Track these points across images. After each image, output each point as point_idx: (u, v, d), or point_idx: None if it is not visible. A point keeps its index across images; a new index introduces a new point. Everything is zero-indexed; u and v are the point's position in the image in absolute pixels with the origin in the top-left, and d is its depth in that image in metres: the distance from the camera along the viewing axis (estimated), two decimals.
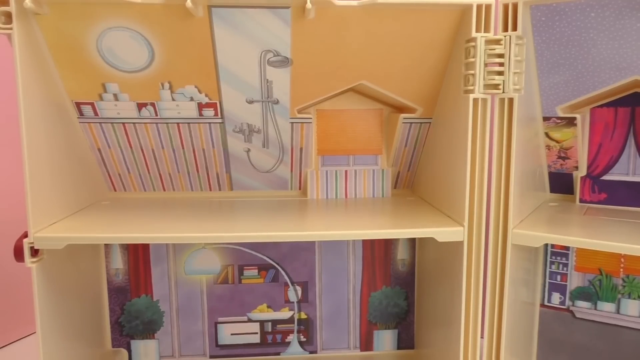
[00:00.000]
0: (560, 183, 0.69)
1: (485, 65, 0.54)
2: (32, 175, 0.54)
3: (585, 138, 0.66)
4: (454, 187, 0.60)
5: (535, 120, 0.63)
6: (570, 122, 0.64)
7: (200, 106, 0.63)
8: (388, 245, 0.78)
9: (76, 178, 0.64)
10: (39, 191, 0.55)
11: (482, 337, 0.60)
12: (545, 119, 0.64)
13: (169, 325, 0.77)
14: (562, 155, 0.67)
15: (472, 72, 0.55)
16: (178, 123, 0.65)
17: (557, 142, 0.66)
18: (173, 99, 0.62)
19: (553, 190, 0.71)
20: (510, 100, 0.55)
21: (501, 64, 0.54)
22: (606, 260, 0.69)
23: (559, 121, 0.64)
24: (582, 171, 0.67)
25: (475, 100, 0.55)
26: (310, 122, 0.68)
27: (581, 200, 0.68)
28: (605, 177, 0.67)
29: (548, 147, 0.67)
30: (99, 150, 0.68)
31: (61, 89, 0.60)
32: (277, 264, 0.77)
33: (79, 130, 0.65)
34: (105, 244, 0.74)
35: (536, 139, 0.65)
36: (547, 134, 0.66)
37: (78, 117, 0.64)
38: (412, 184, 0.77)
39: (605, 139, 0.65)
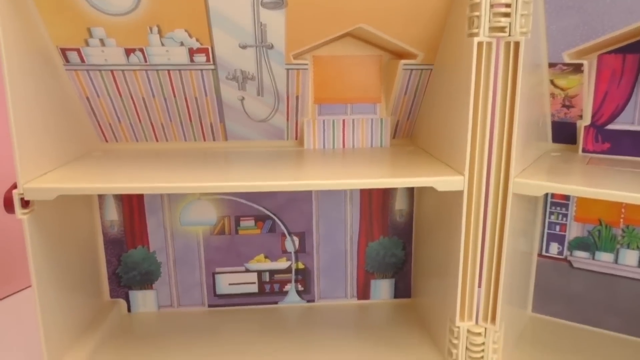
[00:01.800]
0: (563, 132, 0.68)
1: (491, 6, 0.51)
2: (18, 125, 0.52)
3: (591, 86, 0.64)
4: (455, 136, 0.58)
5: (540, 66, 0.61)
6: (577, 68, 0.61)
7: (191, 52, 0.61)
8: (386, 195, 0.77)
9: (65, 128, 0.62)
10: (26, 141, 0.53)
11: (479, 286, 0.59)
12: (551, 65, 0.62)
13: (166, 276, 0.77)
14: (567, 103, 0.65)
15: (477, 13, 0.52)
16: (168, 70, 0.62)
17: (562, 89, 0.64)
18: (162, 44, 0.59)
19: (555, 140, 0.69)
20: (517, 44, 0.52)
21: (508, 5, 0.51)
22: (606, 211, 0.68)
23: (565, 68, 0.62)
24: (586, 120, 0.65)
25: (480, 44, 0.53)
26: (307, 69, 0.65)
27: (584, 150, 0.67)
28: (610, 127, 0.65)
29: (552, 95, 0.65)
30: (88, 99, 0.65)
31: (45, 35, 0.57)
32: (274, 214, 0.76)
33: (66, 78, 0.62)
34: (98, 196, 0.73)
35: (541, 87, 0.62)
36: (552, 82, 0.64)
37: (64, 65, 0.61)
38: (411, 133, 0.75)
39: (612, 86, 0.63)
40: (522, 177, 0.55)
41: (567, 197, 0.70)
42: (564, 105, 0.65)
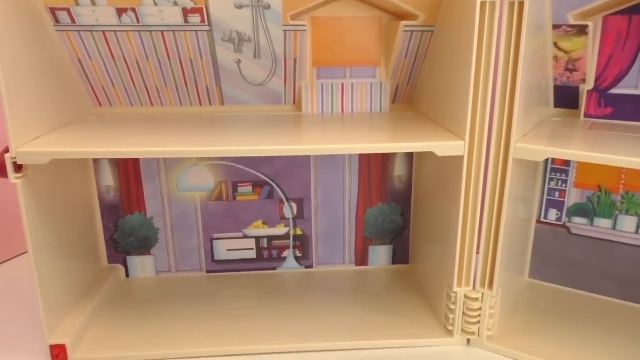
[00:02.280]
0: (565, 97, 0.66)
1: None
2: (7, 86, 0.50)
3: (596, 48, 0.62)
4: (455, 100, 0.57)
5: (544, 28, 0.59)
6: (581, 30, 0.60)
7: (185, 11, 0.59)
8: (385, 161, 0.76)
9: (57, 91, 0.61)
10: (17, 103, 0.52)
11: (477, 252, 0.59)
12: (555, 26, 0.60)
13: (164, 241, 0.77)
14: (570, 67, 0.63)
15: None
16: (162, 31, 0.61)
17: (566, 52, 0.62)
18: (155, 4, 0.58)
19: (557, 104, 0.68)
20: (521, 4, 0.51)
21: None
22: (606, 177, 0.67)
23: (570, 29, 0.60)
24: (589, 84, 0.64)
25: (483, 3, 0.51)
26: (305, 30, 0.64)
27: (586, 115, 0.66)
28: (613, 91, 0.63)
29: (555, 58, 0.63)
30: (79, 61, 0.64)
31: None
32: (272, 180, 0.75)
33: (56, 39, 0.61)
34: (93, 161, 0.72)
35: (544, 49, 0.61)
36: (555, 44, 0.62)
37: (54, 25, 0.59)
38: (411, 98, 0.73)
39: (616, 49, 0.62)
40: (522, 142, 0.55)
41: (567, 163, 0.69)
42: (566, 69, 0.64)
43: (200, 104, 0.71)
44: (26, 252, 0.55)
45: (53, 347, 0.59)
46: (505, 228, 0.57)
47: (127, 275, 0.78)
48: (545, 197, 0.72)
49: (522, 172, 0.61)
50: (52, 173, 0.60)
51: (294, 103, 0.72)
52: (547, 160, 0.70)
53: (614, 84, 0.63)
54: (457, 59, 0.56)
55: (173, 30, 0.61)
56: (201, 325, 0.65)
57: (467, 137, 0.55)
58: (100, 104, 0.70)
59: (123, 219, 0.75)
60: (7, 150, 0.52)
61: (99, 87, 0.67)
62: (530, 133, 0.58)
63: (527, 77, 0.55)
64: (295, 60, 0.66)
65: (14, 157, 0.52)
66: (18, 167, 0.53)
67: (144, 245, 0.77)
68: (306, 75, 0.69)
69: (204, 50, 0.63)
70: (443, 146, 0.56)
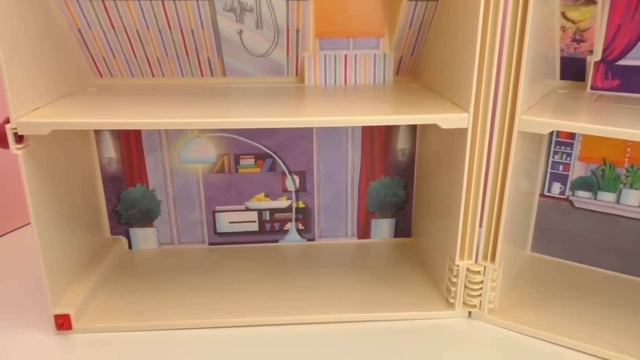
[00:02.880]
0: (572, 69, 0.65)
1: None
2: (6, 57, 0.50)
3: (604, 18, 0.61)
4: (460, 72, 0.56)
5: None
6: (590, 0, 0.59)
7: None
8: (388, 134, 0.76)
9: (57, 61, 0.60)
10: (16, 74, 0.52)
11: (480, 226, 0.59)
12: None
13: (166, 214, 0.77)
14: (577, 37, 0.62)
15: None
16: (162, 0, 0.60)
17: (574, 22, 0.61)
18: None
19: (564, 76, 0.67)
20: None
21: None
22: (612, 150, 0.67)
23: None
24: (597, 55, 0.63)
25: None
26: (307, 0, 0.62)
27: (592, 87, 0.65)
28: (621, 62, 0.62)
29: (563, 29, 0.62)
30: (79, 31, 0.63)
31: None
32: (274, 153, 0.75)
33: (55, 8, 0.60)
34: (95, 132, 0.72)
35: (551, 19, 0.60)
36: (563, 14, 0.61)
37: None
38: (415, 70, 0.73)
39: (626, 19, 0.60)
40: (528, 115, 0.54)
41: (572, 136, 0.69)
42: (574, 40, 0.63)
43: (202, 76, 0.70)
44: (29, 223, 0.55)
45: (57, 317, 0.59)
46: (508, 202, 0.57)
47: (130, 247, 0.78)
48: (549, 170, 0.71)
49: (527, 146, 0.61)
50: (54, 144, 0.60)
51: (296, 75, 0.71)
52: (552, 133, 0.70)
53: (623, 55, 0.62)
54: (463, 29, 0.55)
55: (174, 0, 0.60)
56: (203, 297, 0.66)
57: (471, 110, 0.55)
58: (101, 75, 0.69)
59: (125, 191, 0.75)
60: (7, 121, 0.52)
61: (100, 58, 0.67)
62: (535, 105, 0.58)
63: (534, 48, 0.54)
64: (297, 31, 0.65)
65: (15, 128, 0.52)
66: (19, 138, 0.53)
67: (147, 217, 0.77)
68: (309, 46, 0.68)
69: (205, 20, 0.62)
70: (447, 118, 0.55)
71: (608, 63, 0.63)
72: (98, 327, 0.61)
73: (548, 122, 0.53)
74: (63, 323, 0.59)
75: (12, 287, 0.69)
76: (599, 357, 0.56)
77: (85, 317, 0.62)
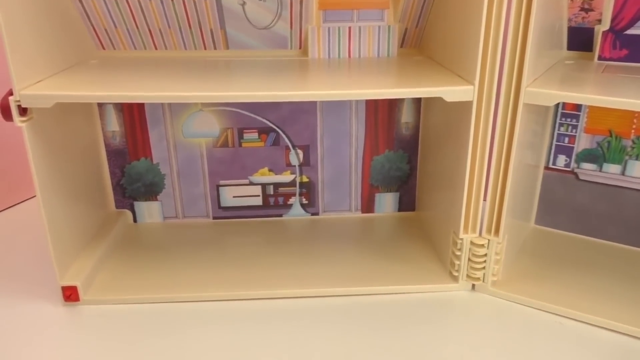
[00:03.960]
0: (579, 39, 0.65)
1: None
2: (8, 28, 0.50)
3: None
4: (465, 43, 0.56)
5: None
6: None
7: None
8: (392, 107, 0.76)
9: (59, 33, 0.60)
10: (18, 46, 0.51)
11: (484, 199, 0.59)
12: None
13: (170, 187, 0.78)
14: (586, 7, 0.61)
15: None
16: None
17: None
18: None
19: (571, 47, 0.66)
20: None
21: None
22: (618, 121, 0.67)
23: None
24: (605, 24, 0.62)
25: None
26: None
27: (600, 58, 0.64)
28: (630, 32, 0.62)
29: None
30: (80, 1, 0.62)
31: None
32: (278, 127, 0.75)
33: None
34: (98, 105, 0.72)
35: None
36: None
37: None
38: (420, 42, 0.72)
39: None
40: (534, 87, 0.54)
41: (578, 108, 0.69)
42: (582, 9, 0.62)
43: (205, 48, 0.70)
44: (34, 196, 0.56)
45: (65, 289, 0.60)
46: (513, 175, 0.57)
47: (134, 220, 0.79)
48: (554, 143, 0.71)
49: (532, 118, 0.61)
50: (58, 117, 0.60)
51: (300, 48, 0.71)
52: (557, 105, 0.70)
53: (632, 24, 0.61)
54: (468, 0, 0.55)
55: None
56: (207, 270, 0.66)
57: (476, 82, 0.54)
58: (103, 47, 0.69)
59: (129, 165, 0.76)
60: (11, 93, 0.52)
61: (102, 30, 0.66)
62: (541, 77, 0.57)
63: (541, 18, 0.53)
64: (301, 2, 0.65)
65: (18, 100, 0.52)
66: (23, 111, 0.53)
67: (151, 191, 0.78)
68: (312, 18, 0.67)
69: None
70: (452, 91, 0.55)
71: (616, 32, 0.62)
72: (105, 299, 0.62)
73: (554, 94, 0.52)
74: (70, 294, 0.60)
75: (19, 260, 0.70)
76: (602, 327, 0.57)
77: (92, 289, 0.63)
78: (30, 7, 0.54)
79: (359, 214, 0.82)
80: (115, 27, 0.66)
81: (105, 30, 0.66)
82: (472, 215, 0.60)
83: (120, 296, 0.62)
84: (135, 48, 0.69)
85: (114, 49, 0.69)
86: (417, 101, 0.76)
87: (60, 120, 0.61)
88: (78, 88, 0.54)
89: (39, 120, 0.55)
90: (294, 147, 0.77)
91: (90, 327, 0.58)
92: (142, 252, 0.71)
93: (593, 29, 0.64)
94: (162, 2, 0.63)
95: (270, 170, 0.78)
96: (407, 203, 0.82)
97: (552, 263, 0.67)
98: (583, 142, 0.70)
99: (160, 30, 0.67)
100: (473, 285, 0.64)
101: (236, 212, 0.80)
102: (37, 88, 0.53)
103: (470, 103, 0.55)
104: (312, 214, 0.81)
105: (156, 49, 0.69)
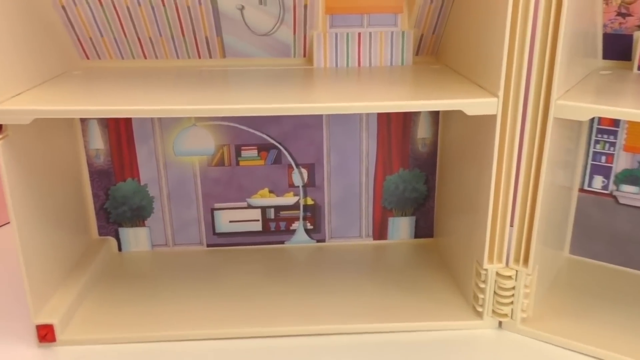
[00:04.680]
0: (616, 46, 0.65)
1: None
2: None
3: None
4: (488, 51, 0.56)
5: None
6: None
7: None
8: (407, 122, 0.76)
9: (40, 42, 0.61)
10: None
11: (511, 224, 0.59)
12: None
13: (159, 211, 0.78)
14: (623, 11, 0.62)
15: None
16: None
17: None
18: None
19: (606, 56, 0.66)
20: None
21: None
22: None
23: None
24: None
25: None
26: None
27: None
28: None
29: (606, 2, 0.62)
30: (63, 8, 0.64)
31: None
32: (279, 143, 0.76)
33: None
34: (81, 121, 0.73)
35: None
36: None
37: None
38: (437, 49, 0.73)
39: None
40: (565, 99, 0.54)
41: (616, 123, 0.69)
42: (619, 14, 0.62)
43: (200, 57, 0.70)
44: (8, 223, 0.56)
45: (40, 328, 0.60)
46: (543, 197, 0.57)
47: (119, 249, 0.79)
48: (590, 162, 0.71)
49: (564, 134, 0.61)
50: (36, 134, 0.60)
51: (304, 56, 0.71)
52: (593, 120, 0.70)
53: None
54: (491, 3, 0.55)
55: None
56: (201, 305, 0.66)
57: (501, 94, 0.55)
58: (87, 57, 0.70)
59: (114, 187, 0.76)
60: None
61: (86, 38, 0.67)
62: (574, 89, 0.58)
63: (572, 24, 0.54)
64: (305, 6, 0.66)
65: None
66: None
67: (138, 215, 0.78)
68: (318, 23, 0.68)
69: None
70: (474, 104, 0.55)
71: None
72: (85, 339, 0.61)
73: (588, 108, 0.52)
74: (46, 334, 0.60)
75: None
76: None
77: (71, 327, 0.62)
78: (8, 13, 0.55)
79: (370, 241, 0.82)
80: (102, 35, 0.67)
81: (90, 38, 0.67)
82: (498, 242, 0.60)
83: (103, 335, 0.62)
84: (122, 58, 0.70)
85: (100, 58, 0.70)
86: (435, 115, 0.76)
87: (39, 138, 0.62)
88: (59, 102, 0.54)
89: (15, 137, 0.56)
90: (297, 165, 0.77)
91: None
92: (128, 284, 0.71)
93: (632, 35, 0.64)
94: (152, 8, 0.64)
95: (271, 191, 0.78)
96: (424, 228, 0.82)
97: (588, 298, 0.67)
98: (622, 161, 0.69)
99: (150, 38, 0.68)
100: (500, 323, 0.63)
101: (233, 239, 0.80)
102: (14, 102, 0.54)
103: (494, 117, 0.56)
104: (318, 241, 0.81)
105: (146, 58, 0.70)
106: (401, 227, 0.81)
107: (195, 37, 0.68)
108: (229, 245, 0.80)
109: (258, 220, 0.80)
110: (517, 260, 0.60)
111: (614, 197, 0.71)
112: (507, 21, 0.52)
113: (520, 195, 0.58)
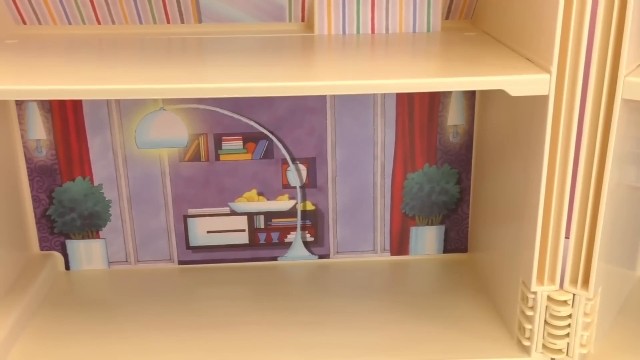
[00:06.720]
0: None
1: None
2: None
3: None
4: (538, 15, 0.57)
5: None
6: None
7: None
8: (434, 104, 0.76)
9: None
10: None
11: (567, 236, 0.59)
12: None
13: (118, 220, 0.78)
14: None
15: None
16: None
17: None
18: None
19: None
20: None
21: None
22: None
23: None
24: None
25: None
26: None
27: None
28: None
29: None
30: None
31: None
32: (271, 132, 0.76)
33: None
34: (16, 103, 0.73)
35: None
36: None
37: None
38: (472, 12, 0.73)
39: None
40: (637, 76, 0.54)
41: None
42: None
43: (168, 22, 0.71)
44: None
45: None
46: (608, 201, 0.57)
47: (67, 267, 0.80)
48: None
49: (635, 120, 0.61)
50: None
51: (302, 20, 0.72)
52: None
53: None
54: None
55: None
56: (170, 337, 0.66)
57: (554, 69, 0.54)
58: (24, 22, 0.70)
59: (60, 188, 0.76)
60: None
61: None
62: None
63: None
64: None
65: None
66: None
67: (91, 224, 0.78)
68: None
69: None
70: (519, 82, 0.55)
71: None
72: None
73: None
74: None
75: None
76: None
77: None
78: None
79: (387, 257, 0.82)
80: None
81: None
82: (550, 259, 0.60)
83: None
84: (69, 22, 0.70)
85: (40, 24, 0.70)
86: (470, 96, 0.76)
87: None
88: None
89: None
90: (293, 160, 0.77)
91: None
92: (77, 312, 0.71)
93: None
94: None
95: (260, 194, 0.78)
96: (455, 241, 0.82)
97: None
98: None
99: None
100: None
101: (212, 254, 0.80)
102: None
103: (545, 98, 0.56)
104: (320, 257, 0.82)
105: (99, 23, 0.70)
106: (426, 239, 0.82)
107: None
108: (206, 262, 0.81)
109: (244, 231, 0.80)
110: (574, 282, 0.61)
111: None
112: None
113: (578, 198, 0.58)
